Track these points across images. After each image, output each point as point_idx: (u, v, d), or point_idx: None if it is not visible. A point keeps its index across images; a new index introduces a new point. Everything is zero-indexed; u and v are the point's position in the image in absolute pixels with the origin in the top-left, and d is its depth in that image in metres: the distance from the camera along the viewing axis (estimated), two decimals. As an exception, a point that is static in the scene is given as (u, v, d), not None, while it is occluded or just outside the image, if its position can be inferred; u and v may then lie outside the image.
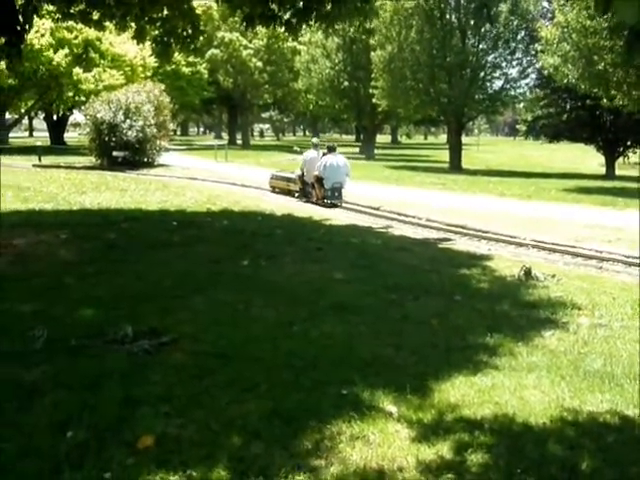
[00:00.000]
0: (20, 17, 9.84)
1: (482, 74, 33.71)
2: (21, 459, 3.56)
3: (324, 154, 18.27)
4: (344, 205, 17.16)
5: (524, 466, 3.59)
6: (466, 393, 4.53)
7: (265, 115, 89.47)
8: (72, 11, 11.79)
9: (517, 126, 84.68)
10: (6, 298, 6.78)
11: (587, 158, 41.23)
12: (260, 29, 48.67)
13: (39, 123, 77.93)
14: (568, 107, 32.37)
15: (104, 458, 3.59)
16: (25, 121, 78.08)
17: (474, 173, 29.99)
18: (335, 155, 18.13)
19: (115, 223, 12.26)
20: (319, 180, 17.70)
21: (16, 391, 4.42)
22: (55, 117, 50.85)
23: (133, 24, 12.31)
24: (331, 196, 17.51)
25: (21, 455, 3.60)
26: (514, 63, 34.03)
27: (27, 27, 10.12)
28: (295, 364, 5.01)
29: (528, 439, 3.89)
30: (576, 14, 21.15)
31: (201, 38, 13.20)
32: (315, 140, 21.40)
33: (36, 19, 10.90)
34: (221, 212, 14.56)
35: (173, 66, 51.51)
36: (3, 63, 10.14)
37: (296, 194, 19.19)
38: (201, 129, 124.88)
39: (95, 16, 12.01)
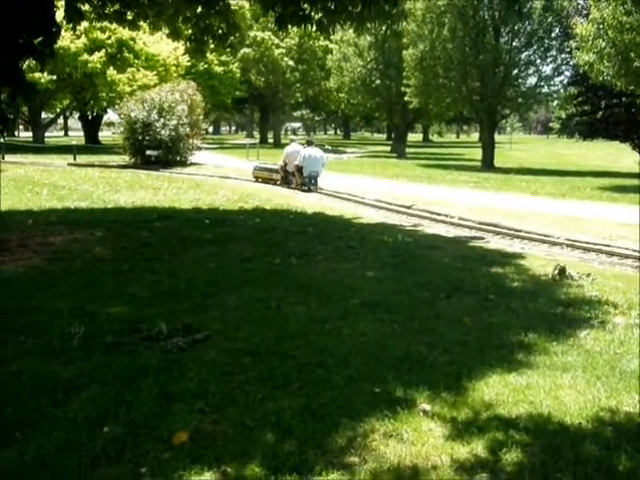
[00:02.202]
0: (58, 18, 9.97)
1: (515, 72, 33.46)
2: (60, 453, 3.61)
3: (304, 147, 21.36)
4: (377, 204, 17.14)
5: (560, 466, 3.56)
6: (500, 392, 4.50)
7: (296, 114, 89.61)
8: (107, 11, 11.92)
9: (550, 124, 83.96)
10: (43, 295, 6.88)
11: (622, 156, 40.70)
12: (291, 28, 48.78)
13: (74, 122, 79.04)
14: (603, 105, 31.94)
15: (140, 453, 3.63)
16: (60, 121, 79.13)
17: (507, 171, 29.76)
18: (313, 148, 21.38)
19: (149, 221, 12.37)
20: (299, 169, 20.75)
21: (54, 387, 4.48)
22: (90, 117, 51.48)
23: (167, 23, 12.41)
24: (308, 183, 20.50)
25: (60, 449, 3.65)
26: (548, 60, 33.69)
27: (61, 29, 10.26)
28: (328, 361, 5.02)
29: (564, 439, 3.86)
30: (612, 10, 20.87)
31: (236, 36, 13.25)
32: (293, 137, 27.52)
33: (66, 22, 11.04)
34: (253, 210, 14.62)
35: (205, 65, 51.86)
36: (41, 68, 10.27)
37: (278, 182, 22.10)
38: (233, 128, 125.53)
39: (129, 16, 12.13)
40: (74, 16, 10.78)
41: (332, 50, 49.17)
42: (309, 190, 20.20)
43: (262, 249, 9.76)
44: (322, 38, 55.99)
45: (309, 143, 22.18)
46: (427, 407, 4.21)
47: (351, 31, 36.62)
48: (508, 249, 11.04)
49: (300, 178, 20.77)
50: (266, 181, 22.76)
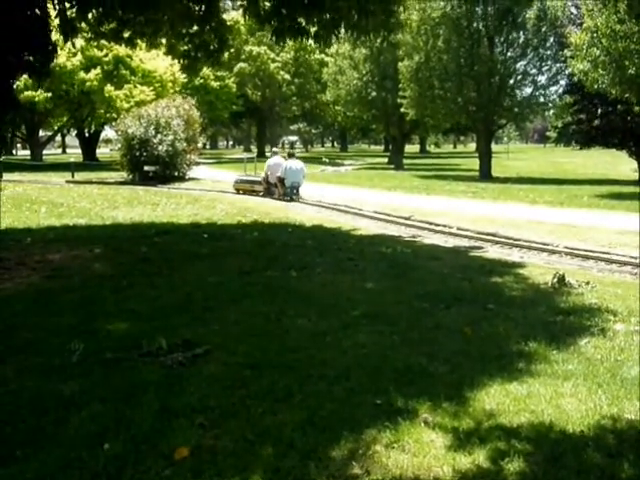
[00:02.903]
0: (53, 36, 9.99)
1: (511, 81, 33.54)
2: (62, 471, 3.60)
3: (285, 160, 22.79)
4: (375, 215, 17.16)
5: (562, 475, 3.55)
6: (501, 401, 4.50)
7: (293, 127, 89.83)
8: (103, 30, 11.96)
9: (547, 133, 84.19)
10: (43, 313, 6.87)
11: (619, 164, 40.77)
12: (288, 42, 49.03)
13: (72, 140, 79.10)
14: (599, 113, 32.02)
15: (141, 469, 3.62)
16: (58, 138, 79.25)
17: (504, 181, 29.82)
18: (294, 160, 22.61)
19: (147, 237, 12.36)
20: (281, 180, 21.92)
21: (54, 405, 4.47)
22: (87, 134, 51.59)
23: (164, 40, 12.47)
24: (290, 193, 21.61)
25: (62, 467, 3.63)
26: (543, 70, 33.79)
27: (57, 47, 10.29)
28: (328, 374, 5.01)
29: (566, 447, 3.85)
30: (605, 18, 20.96)
31: (229, 52, 13.36)
32: (275, 149, 29.12)
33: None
34: (251, 224, 14.63)
35: (202, 81, 52.02)
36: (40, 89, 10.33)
37: (260, 193, 23.19)
38: (230, 142, 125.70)
39: (126, 34, 12.18)
40: (70, 32, 10.81)
41: (328, 63, 49.43)
42: (291, 199, 21.27)
43: (261, 262, 9.75)
44: (318, 51, 56.33)
45: (290, 156, 23.58)
46: (428, 418, 4.20)
47: (347, 44, 36.77)
48: (507, 258, 11.05)
49: (282, 188, 21.93)
50: (248, 193, 23.77)
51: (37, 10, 9.59)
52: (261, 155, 60.51)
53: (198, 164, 31.71)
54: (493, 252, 11.92)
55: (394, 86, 39.40)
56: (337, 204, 19.48)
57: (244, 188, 24.29)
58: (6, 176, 30.49)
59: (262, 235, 12.71)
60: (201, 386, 4.78)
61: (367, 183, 28.77)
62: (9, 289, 8.12)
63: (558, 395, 4.61)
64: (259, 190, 23.44)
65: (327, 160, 52.66)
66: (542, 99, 35.02)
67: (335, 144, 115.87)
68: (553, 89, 35.00)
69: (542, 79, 34.20)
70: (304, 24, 11.47)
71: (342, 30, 11.58)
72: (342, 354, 5.51)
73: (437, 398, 4.50)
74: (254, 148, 74.96)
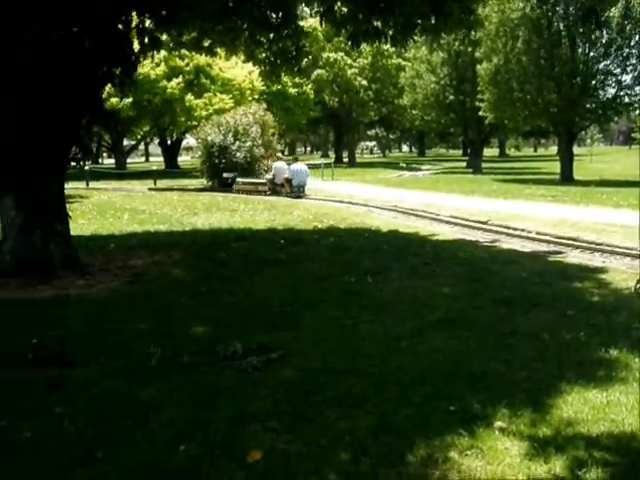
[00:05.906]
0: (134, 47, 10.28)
1: (593, 82, 32.63)
2: (139, 472, 3.69)
3: (289, 164, 26.55)
4: (452, 220, 16.97)
5: (644, 486, 3.44)
6: (580, 410, 4.38)
7: (371, 132, 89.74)
8: (184, 40, 12.26)
9: (633, 134, 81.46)
10: (123, 317, 7.06)
11: None
12: (364, 47, 49.30)
13: (154, 148, 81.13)
14: (688, 112, 30.83)
15: (215, 472, 3.68)
16: (141, 147, 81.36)
17: (587, 184, 29.01)
18: (299, 164, 26.42)
19: (225, 242, 12.55)
20: (289, 181, 25.56)
21: (133, 407, 4.59)
22: (169, 142, 52.81)
23: (242, 48, 12.69)
24: (297, 191, 25.22)
25: (140, 469, 3.72)
26: (628, 69, 32.73)
27: (140, 58, 10.58)
28: (403, 379, 4.99)
29: (648, 459, 3.72)
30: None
31: (306, 59, 13.47)
32: (280, 155, 33.15)
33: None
34: (328, 229, 14.68)
35: (279, 87, 52.51)
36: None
37: (267, 193, 26.20)
38: (308, 148, 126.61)
39: (206, 43, 12.45)
40: (153, 45, 11.14)
41: (405, 68, 49.25)
42: (298, 197, 24.65)
43: (337, 268, 9.78)
44: (395, 56, 56.21)
45: (295, 160, 27.60)
46: (504, 425, 4.13)
47: (424, 48, 36.53)
48: (588, 263, 10.74)
49: (290, 187, 25.39)
50: (250, 193, 26.38)
51: (120, 25, 9.88)
52: (339, 161, 60.74)
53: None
54: (573, 257, 11.61)
55: (472, 89, 38.99)
56: (414, 209, 19.35)
57: (246, 189, 26.85)
58: (92, 184, 31.55)
59: (338, 240, 12.74)
60: (275, 391, 4.82)
61: (444, 188, 28.47)
62: (92, 294, 8.37)
63: (640, 404, 4.47)
64: (262, 190, 26.43)
65: (404, 165, 52.41)
66: (627, 99, 33.91)
67: (413, 149, 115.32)
68: (638, 89, 33.85)
69: (627, 79, 33.11)
70: (380, 27, 11.48)
71: (419, 32, 11.55)
72: (417, 359, 5.48)
73: (513, 405, 4.43)
74: (332, 154, 75.24)
